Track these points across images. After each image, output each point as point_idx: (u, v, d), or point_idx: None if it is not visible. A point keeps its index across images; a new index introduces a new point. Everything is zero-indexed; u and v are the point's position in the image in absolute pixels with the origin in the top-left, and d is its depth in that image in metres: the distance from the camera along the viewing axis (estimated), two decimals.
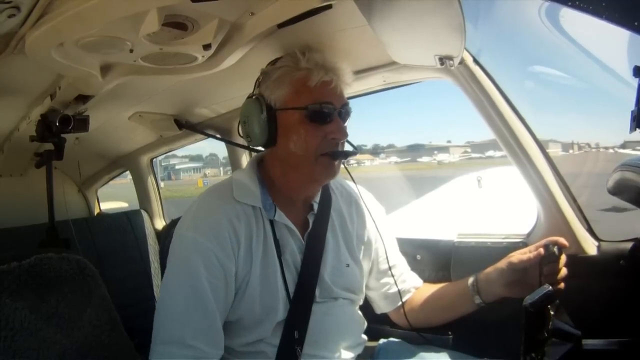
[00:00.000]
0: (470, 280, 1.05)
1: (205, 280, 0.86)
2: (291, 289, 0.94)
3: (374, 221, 1.08)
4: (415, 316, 1.10)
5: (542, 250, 0.95)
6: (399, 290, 1.10)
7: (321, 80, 0.92)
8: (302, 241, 0.98)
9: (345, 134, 0.95)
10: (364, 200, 1.09)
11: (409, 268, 1.16)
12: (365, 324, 1.07)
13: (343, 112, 0.95)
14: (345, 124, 0.96)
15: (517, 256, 0.99)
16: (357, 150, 1.02)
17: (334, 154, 0.94)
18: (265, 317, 0.92)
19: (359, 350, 1.03)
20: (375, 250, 1.10)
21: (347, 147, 0.98)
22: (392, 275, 1.10)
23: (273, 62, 0.98)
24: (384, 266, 1.10)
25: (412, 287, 1.13)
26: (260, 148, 1.01)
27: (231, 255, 0.89)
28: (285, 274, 0.94)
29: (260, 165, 1.02)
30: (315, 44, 1.01)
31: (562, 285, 0.92)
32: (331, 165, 0.94)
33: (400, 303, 1.11)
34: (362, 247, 1.07)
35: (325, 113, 0.92)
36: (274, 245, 0.94)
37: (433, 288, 1.13)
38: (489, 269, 1.03)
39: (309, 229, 0.99)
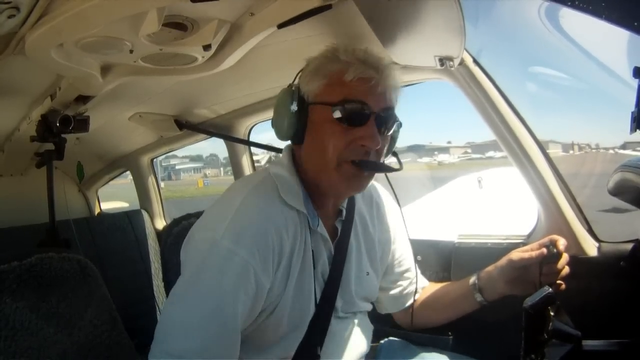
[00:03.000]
0: (472, 278, 1.05)
1: (234, 296, 0.74)
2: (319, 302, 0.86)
3: (389, 222, 1.04)
4: (417, 315, 1.10)
5: (544, 250, 0.95)
6: (414, 291, 1.07)
7: (358, 76, 0.79)
8: (331, 251, 0.89)
9: (377, 142, 0.80)
10: (395, 198, 1.04)
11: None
12: (372, 327, 1.05)
13: (383, 117, 0.82)
14: (389, 133, 0.85)
15: (517, 254, 0.99)
16: (398, 168, 0.89)
17: (359, 163, 0.81)
18: (290, 333, 0.84)
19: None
20: (392, 252, 1.07)
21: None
22: (407, 278, 1.08)
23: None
24: (398, 269, 1.08)
25: (420, 287, 1.12)
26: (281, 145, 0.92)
27: (270, 272, 0.78)
28: (316, 288, 0.85)
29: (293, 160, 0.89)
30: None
31: (562, 285, 0.92)
32: (355, 177, 0.82)
33: (408, 304, 1.09)
34: (382, 252, 1.03)
35: (357, 113, 0.80)
36: (312, 259, 0.84)
37: (435, 287, 1.12)
38: (490, 267, 1.03)
39: (338, 236, 0.91)
